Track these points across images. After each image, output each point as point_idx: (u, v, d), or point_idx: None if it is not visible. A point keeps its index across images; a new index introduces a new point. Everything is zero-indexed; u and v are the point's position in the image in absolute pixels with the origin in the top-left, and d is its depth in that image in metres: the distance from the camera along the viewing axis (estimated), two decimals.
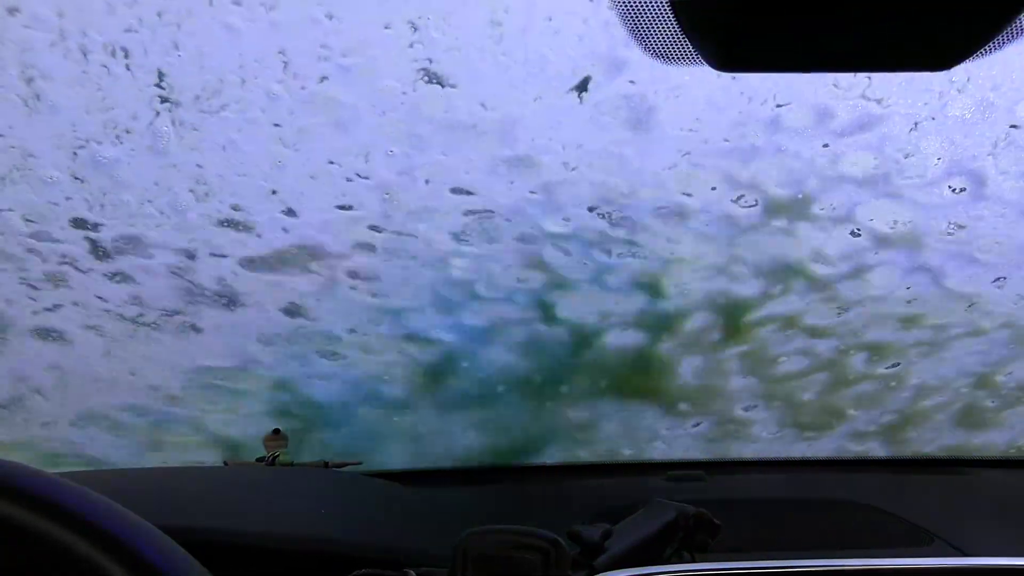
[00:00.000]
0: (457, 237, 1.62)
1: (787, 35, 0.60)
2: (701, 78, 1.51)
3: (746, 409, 1.72)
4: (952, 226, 1.65)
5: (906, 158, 1.60)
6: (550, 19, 1.48)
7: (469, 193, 1.59)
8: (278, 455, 1.33)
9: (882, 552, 1.10)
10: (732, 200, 1.63)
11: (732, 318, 1.71)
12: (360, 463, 1.36)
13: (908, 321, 1.70)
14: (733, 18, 0.58)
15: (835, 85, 1.54)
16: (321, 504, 1.07)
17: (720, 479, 1.36)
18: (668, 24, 0.60)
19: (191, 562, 0.53)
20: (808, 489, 1.35)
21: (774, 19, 0.58)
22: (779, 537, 1.17)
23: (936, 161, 1.60)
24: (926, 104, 1.56)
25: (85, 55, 1.45)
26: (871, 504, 1.23)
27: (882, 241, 1.67)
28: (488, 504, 1.31)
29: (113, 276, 1.61)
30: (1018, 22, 0.56)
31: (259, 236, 1.60)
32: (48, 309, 1.62)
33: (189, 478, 1.22)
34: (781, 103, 1.55)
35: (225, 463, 1.42)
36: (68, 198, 1.55)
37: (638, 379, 1.72)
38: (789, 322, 1.71)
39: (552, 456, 1.70)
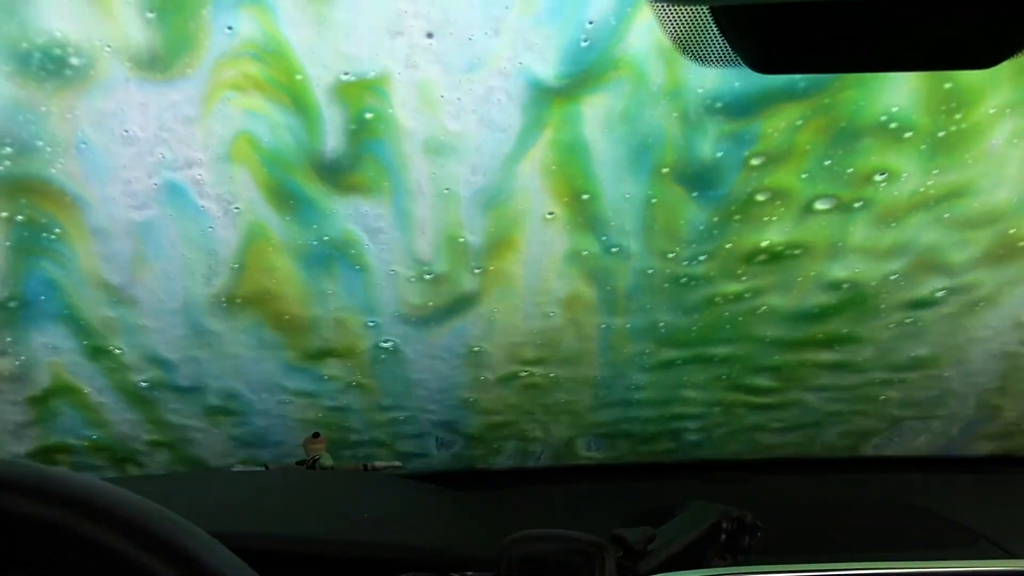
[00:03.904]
0: None
1: (826, 36, 0.59)
2: None
3: None
4: None
5: None
6: None
7: None
8: (318, 458, 1.35)
9: (927, 554, 1.08)
10: None
11: None
12: (399, 465, 1.37)
13: None
14: (772, 20, 0.58)
15: None
16: (362, 508, 1.08)
17: (761, 480, 1.35)
18: (707, 27, 0.60)
19: (246, 569, 0.54)
20: (850, 489, 1.33)
21: (813, 20, 0.57)
22: (822, 539, 1.15)
23: None
24: None
25: None
26: (915, 504, 1.21)
27: None
28: (528, 506, 1.31)
29: None
30: None
31: None
32: None
33: (231, 483, 1.23)
34: None
35: (266, 467, 1.44)
36: None
37: None
38: None
39: None
